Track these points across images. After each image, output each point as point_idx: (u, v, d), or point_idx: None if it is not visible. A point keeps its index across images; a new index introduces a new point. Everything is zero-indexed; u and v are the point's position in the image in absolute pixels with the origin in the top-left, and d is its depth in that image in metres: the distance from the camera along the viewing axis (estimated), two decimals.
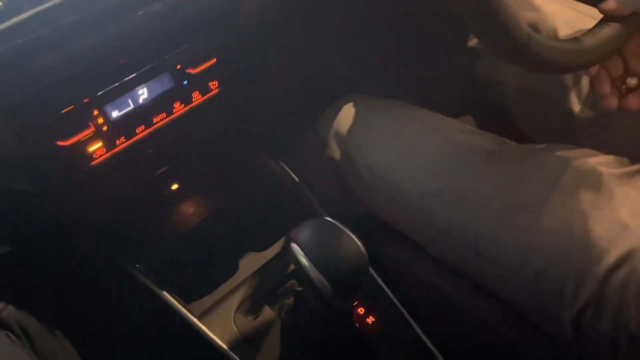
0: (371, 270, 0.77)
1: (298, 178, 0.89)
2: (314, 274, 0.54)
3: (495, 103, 0.90)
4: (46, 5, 0.52)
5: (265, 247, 0.85)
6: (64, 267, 0.79)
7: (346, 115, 0.78)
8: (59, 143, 0.61)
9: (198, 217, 0.90)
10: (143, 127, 0.69)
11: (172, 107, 0.70)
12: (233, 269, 0.83)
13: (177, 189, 0.91)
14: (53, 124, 0.60)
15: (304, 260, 0.54)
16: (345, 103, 0.79)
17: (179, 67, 0.68)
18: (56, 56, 0.54)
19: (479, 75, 0.93)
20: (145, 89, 0.66)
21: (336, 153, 0.77)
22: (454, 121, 0.74)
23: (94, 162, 0.66)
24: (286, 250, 0.85)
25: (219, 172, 0.92)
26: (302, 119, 0.86)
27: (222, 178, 0.92)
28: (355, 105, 0.78)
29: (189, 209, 0.91)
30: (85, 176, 0.67)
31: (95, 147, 0.65)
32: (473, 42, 0.92)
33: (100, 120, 0.64)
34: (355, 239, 0.56)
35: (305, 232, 0.56)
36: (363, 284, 0.57)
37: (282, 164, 0.91)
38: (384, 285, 0.75)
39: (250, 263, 0.83)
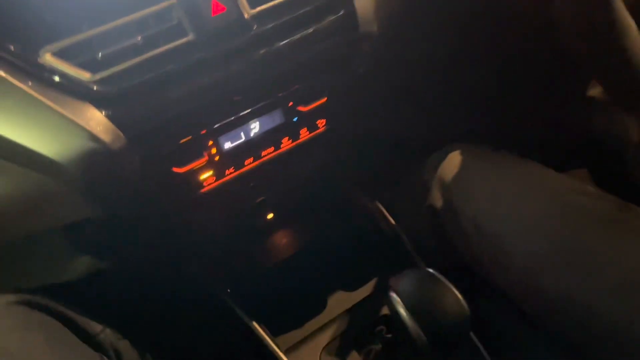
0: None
1: (394, 221, 0.88)
2: (411, 325, 0.52)
3: (614, 159, 0.84)
4: (178, 42, 0.56)
5: (355, 288, 0.84)
6: (161, 290, 0.82)
7: (452, 163, 0.75)
8: (175, 169, 0.65)
9: (290, 251, 0.91)
10: (252, 159, 0.71)
11: (280, 142, 0.72)
12: (322, 306, 0.82)
13: (271, 219, 0.93)
14: (172, 152, 0.64)
15: (402, 312, 0.52)
16: (452, 150, 0.77)
17: (290, 104, 0.70)
18: (183, 90, 0.58)
19: (596, 127, 0.88)
20: (257, 124, 0.69)
21: (438, 201, 0.75)
22: (569, 179, 0.69)
23: (203, 190, 0.69)
24: (378, 294, 0.83)
25: (314, 207, 0.93)
26: (404, 162, 0.85)
27: (317, 214, 0.93)
28: (462, 154, 0.76)
29: (282, 241, 0.92)
30: (194, 202, 0.70)
31: (206, 175, 0.68)
32: (594, 91, 0.87)
33: (214, 151, 0.67)
34: (458, 295, 0.54)
35: (406, 282, 0.55)
36: (460, 343, 0.54)
37: (379, 204, 0.90)
38: (481, 348, 0.71)
39: (340, 302, 0.82)
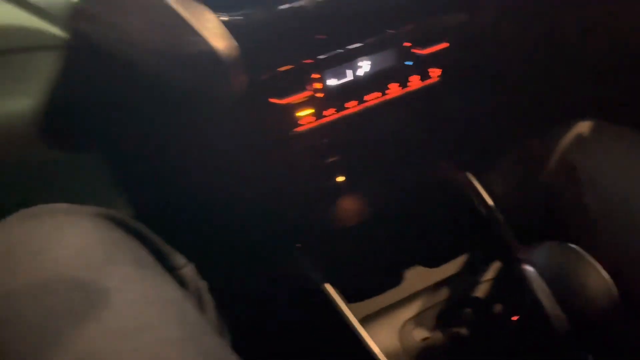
0: None
1: (487, 195, 0.79)
2: (550, 304, 0.44)
3: None
4: None
5: (438, 264, 0.76)
6: (235, 233, 0.76)
7: (579, 139, 0.66)
8: (272, 100, 0.58)
9: (369, 214, 0.83)
10: (355, 102, 0.63)
11: (387, 87, 0.64)
12: (401, 279, 0.75)
13: (349, 179, 0.85)
14: (269, 79, 0.56)
15: (541, 288, 0.44)
16: (576, 126, 0.68)
17: (406, 44, 0.61)
18: (299, 3, 0.50)
19: None
20: (366, 62, 0.61)
21: (557, 177, 0.66)
22: None
23: (298, 129, 0.62)
24: (463, 273, 0.75)
25: (400, 171, 0.85)
26: (509, 133, 0.77)
27: (402, 179, 0.85)
28: (590, 130, 0.67)
29: (361, 204, 0.84)
30: (287, 141, 0.63)
31: (305, 112, 0.61)
32: None
33: (318, 86, 0.59)
34: (607, 277, 0.45)
35: (544, 255, 0.46)
36: (607, 332, 0.45)
37: (471, 176, 0.81)
38: None
39: (421, 277, 0.74)
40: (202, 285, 0.55)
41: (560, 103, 0.77)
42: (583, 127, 0.69)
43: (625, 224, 0.58)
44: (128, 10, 0.46)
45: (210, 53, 0.47)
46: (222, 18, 0.48)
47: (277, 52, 0.54)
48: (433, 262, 0.76)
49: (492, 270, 0.74)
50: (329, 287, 0.70)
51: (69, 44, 0.48)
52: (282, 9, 0.50)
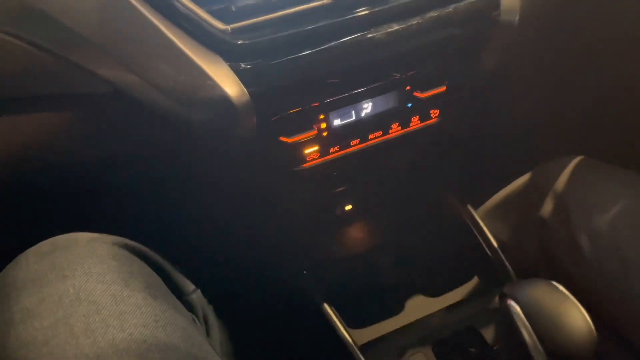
0: None
1: (486, 227, 0.82)
2: (530, 339, 0.47)
3: None
4: (315, 4, 0.54)
5: (437, 294, 0.79)
6: (242, 258, 0.80)
7: (571, 175, 0.70)
8: (282, 139, 0.62)
9: (371, 244, 0.87)
10: (358, 140, 0.68)
11: (390, 127, 0.69)
12: (400, 307, 0.78)
13: (355, 209, 0.89)
14: (282, 119, 0.61)
15: (522, 323, 0.48)
16: (569, 162, 0.72)
17: (407, 88, 0.66)
18: (308, 54, 0.55)
19: None
20: (370, 104, 0.65)
21: (550, 213, 0.69)
22: None
23: (305, 165, 0.66)
24: (462, 303, 0.78)
25: (402, 203, 0.88)
26: (506, 168, 0.80)
27: (404, 210, 0.88)
28: (582, 167, 0.70)
29: (364, 233, 0.88)
30: (293, 176, 0.67)
31: (311, 149, 0.65)
32: None
33: (323, 125, 0.64)
34: (585, 314, 0.48)
35: (526, 291, 0.50)
36: None
37: (471, 209, 0.85)
38: None
39: (420, 306, 0.78)
40: (209, 309, 0.59)
41: (556, 138, 0.80)
42: (577, 164, 0.72)
43: (615, 266, 0.61)
44: (149, 56, 0.51)
45: (224, 98, 0.52)
46: (241, 65, 0.53)
47: (287, 96, 0.59)
48: (433, 291, 0.79)
49: (490, 301, 0.76)
50: (330, 312, 0.74)
51: (91, 90, 0.53)
52: (290, 59, 0.54)
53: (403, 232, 0.87)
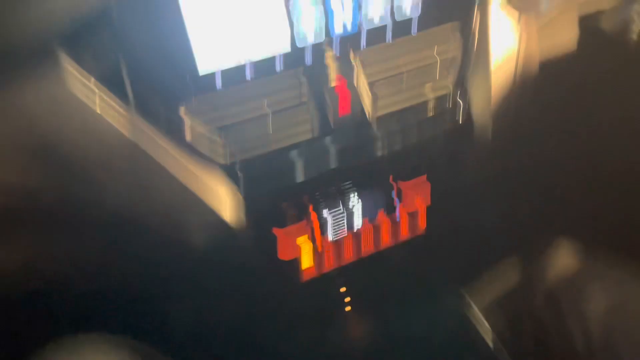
0: None
1: (484, 317, 0.85)
2: None
3: None
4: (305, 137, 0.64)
5: None
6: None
7: (562, 266, 0.73)
8: (274, 230, 0.69)
9: (365, 342, 0.89)
10: (352, 254, 0.75)
11: (376, 216, 0.75)
12: None
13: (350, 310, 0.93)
14: (273, 212, 0.69)
15: None
16: (561, 252, 0.75)
17: (391, 180, 0.74)
18: (301, 175, 0.65)
19: None
20: (356, 196, 0.73)
21: (543, 306, 0.72)
22: None
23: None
24: None
25: (395, 293, 0.91)
26: (499, 257, 0.84)
27: (398, 301, 0.91)
28: (573, 258, 0.74)
29: (361, 334, 0.91)
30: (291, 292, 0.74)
31: (302, 238, 0.71)
32: None
33: (313, 217, 0.71)
34: None
35: None
36: None
37: (470, 299, 0.88)
38: None
39: None
40: None
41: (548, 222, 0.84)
42: (567, 254, 0.76)
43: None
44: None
45: (223, 223, 0.62)
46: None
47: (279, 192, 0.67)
48: None
49: None
50: None
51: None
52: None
53: (398, 325, 0.89)
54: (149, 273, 0.69)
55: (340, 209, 0.73)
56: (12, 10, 0.47)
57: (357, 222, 0.75)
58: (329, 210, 0.72)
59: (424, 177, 0.74)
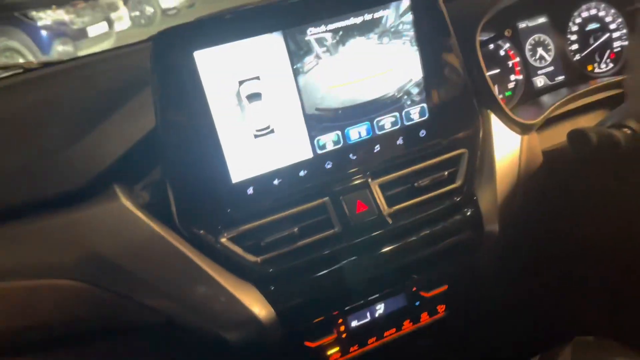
0: None
1: None
2: None
3: None
4: (326, 233, 0.66)
5: None
6: None
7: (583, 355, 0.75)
8: (307, 344, 0.71)
9: None
10: (375, 338, 0.76)
11: (402, 324, 0.77)
12: None
13: None
14: (306, 328, 0.71)
15: None
16: (576, 346, 0.77)
17: (414, 289, 0.75)
18: (326, 275, 0.67)
19: None
20: (382, 306, 0.75)
21: None
22: None
23: None
24: None
25: None
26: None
27: None
28: (588, 351, 0.75)
29: None
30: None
31: (333, 350, 0.73)
32: None
33: (342, 329, 0.73)
34: None
35: None
36: None
37: None
38: None
39: None
40: None
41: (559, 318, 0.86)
42: (584, 348, 0.77)
43: None
44: (195, 290, 0.63)
45: (255, 319, 0.62)
46: (270, 289, 0.64)
47: (309, 309, 0.69)
48: None
49: None
50: None
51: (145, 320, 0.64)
52: (310, 279, 0.66)
53: None
54: None
55: (367, 319, 0.73)
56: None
57: (384, 330, 0.76)
58: (357, 321, 0.72)
59: (445, 287, 0.75)
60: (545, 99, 0.87)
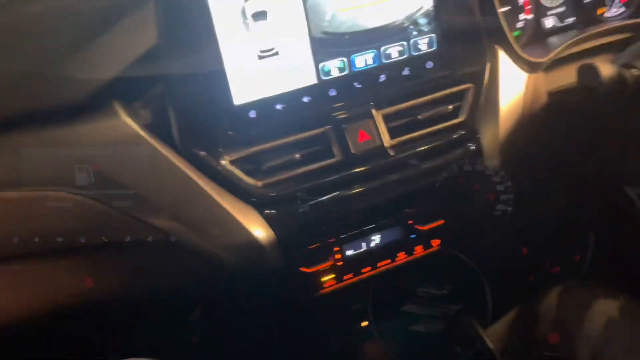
0: None
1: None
2: None
3: None
4: (328, 162, 0.66)
5: None
6: None
7: (573, 301, 0.77)
8: (302, 269, 0.72)
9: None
10: (369, 268, 0.77)
11: (396, 255, 0.78)
12: None
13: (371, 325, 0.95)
14: (304, 254, 0.72)
15: None
16: (571, 287, 0.79)
17: (410, 222, 0.76)
18: (326, 201, 0.67)
19: None
20: (378, 237, 0.75)
21: (554, 340, 0.75)
22: None
23: (322, 291, 0.75)
24: None
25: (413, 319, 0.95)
26: (510, 293, 0.87)
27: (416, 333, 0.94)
28: (582, 293, 0.78)
29: (381, 349, 0.94)
30: (312, 302, 0.76)
31: (328, 277, 0.75)
32: None
33: (338, 257, 0.74)
34: None
35: None
36: None
37: (480, 331, 0.91)
38: None
39: None
40: None
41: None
42: (577, 291, 0.79)
43: None
44: (197, 213, 0.63)
45: (255, 241, 0.63)
46: (270, 212, 0.65)
47: (307, 234, 0.70)
48: None
49: None
50: None
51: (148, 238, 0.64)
52: (309, 205, 0.66)
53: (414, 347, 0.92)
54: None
55: (363, 249, 0.74)
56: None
57: (378, 261, 0.77)
58: (353, 251, 0.73)
59: (442, 222, 0.76)
60: (554, 39, 0.86)
